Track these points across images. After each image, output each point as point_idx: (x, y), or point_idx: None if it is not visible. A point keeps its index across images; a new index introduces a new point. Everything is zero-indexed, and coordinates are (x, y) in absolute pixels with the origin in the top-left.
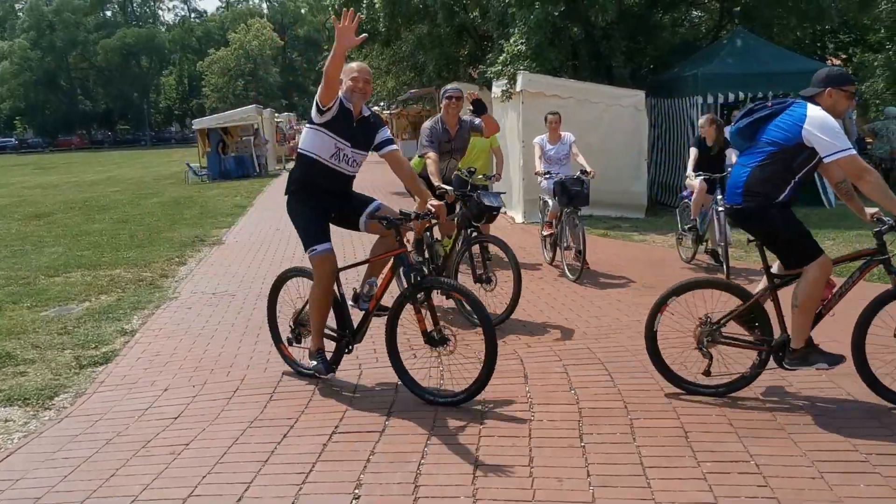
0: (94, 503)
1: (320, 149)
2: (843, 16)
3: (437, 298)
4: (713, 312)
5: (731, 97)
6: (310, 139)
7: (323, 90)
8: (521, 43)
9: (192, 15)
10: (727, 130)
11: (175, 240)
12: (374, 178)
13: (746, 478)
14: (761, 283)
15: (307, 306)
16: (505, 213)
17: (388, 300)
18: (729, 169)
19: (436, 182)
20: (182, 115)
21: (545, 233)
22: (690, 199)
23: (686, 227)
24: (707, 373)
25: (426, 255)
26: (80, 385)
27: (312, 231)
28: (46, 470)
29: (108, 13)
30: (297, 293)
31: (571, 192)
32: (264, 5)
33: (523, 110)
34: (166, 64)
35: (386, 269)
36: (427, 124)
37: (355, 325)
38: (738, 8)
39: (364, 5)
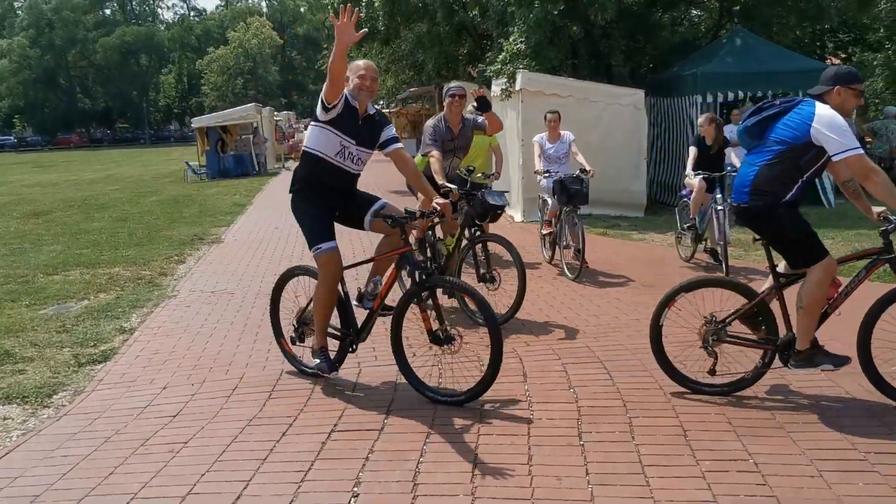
0: (93, 501)
1: (326, 147)
2: (843, 15)
3: (439, 297)
4: (718, 311)
5: (731, 96)
6: (315, 137)
7: (328, 87)
8: (521, 41)
9: (192, 13)
10: (728, 129)
11: (174, 238)
12: (373, 176)
13: (745, 476)
14: (767, 282)
15: (311, 305)
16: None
17: (391, 299)
18: (728, 168)
19: (440, 181)
20: (181, 114)
21: (544, 231)
22: (689, 198)
23: (685, 225)
24: (712, 371)
25: (428, 255)
26: (78, 383)
27: (318, 229)
28: (45, 468)
29: (108, 11)
30: (301, 292)
31: (571, 191)
32: (263, 4)
33: (522, 109)
34: (165, 62)
35: (391, 268)
36: (430, 122)
37: (359, 324)
38: (738, 7)
39: (363, 4)
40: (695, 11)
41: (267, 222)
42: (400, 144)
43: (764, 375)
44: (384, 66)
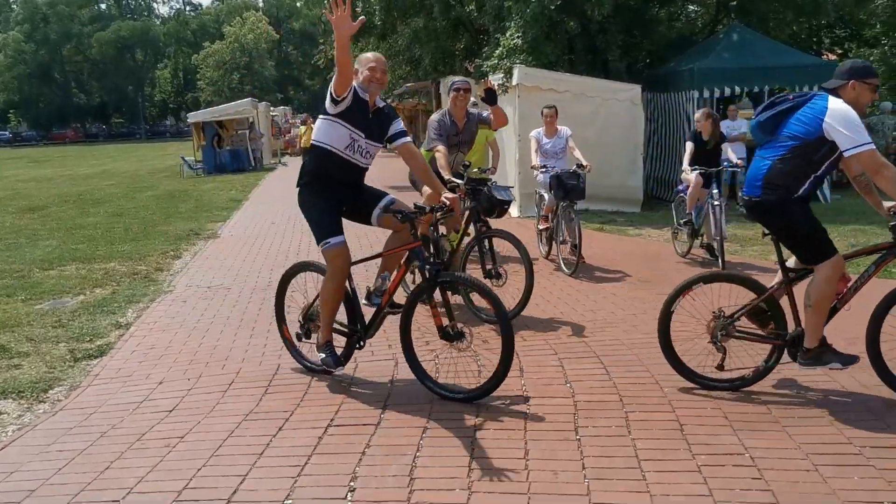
0: (89, 496)
1: (335, 140)
2: (840, 10)
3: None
4: (727, 306)
5: (728, 91)
6: (324, 130)
7: (337, 80)
8: (518, 37)
9: (187, 8)
10: (724, 125)
11: (170, 233)
12: (372, 171)
13: (741, 470)
14: (776, 278)
15: (317, 301)
16: None
17: (400, 296)
18: (725, 163)
19: (446, 175)
20: (177, 109)
21: (541, 227)
22: (686, 194)
23: (682, 221)
24: (720, 367)
25: (431, 251)
26: (74, 378)
27: (326, 223)
28: (41, 462)
29: (103, 6)
30: (306, 288)
31: (567, 186)
32: None
33: (519, 104)
34: (161, 57)
35: (399, 265)
36: (435, 117)
37: (367, 321)
38: (735, 2)
39: None
40: (691, 7)
41: (263, 217)
42: (408, 138)
43: (772, 371)
44: None
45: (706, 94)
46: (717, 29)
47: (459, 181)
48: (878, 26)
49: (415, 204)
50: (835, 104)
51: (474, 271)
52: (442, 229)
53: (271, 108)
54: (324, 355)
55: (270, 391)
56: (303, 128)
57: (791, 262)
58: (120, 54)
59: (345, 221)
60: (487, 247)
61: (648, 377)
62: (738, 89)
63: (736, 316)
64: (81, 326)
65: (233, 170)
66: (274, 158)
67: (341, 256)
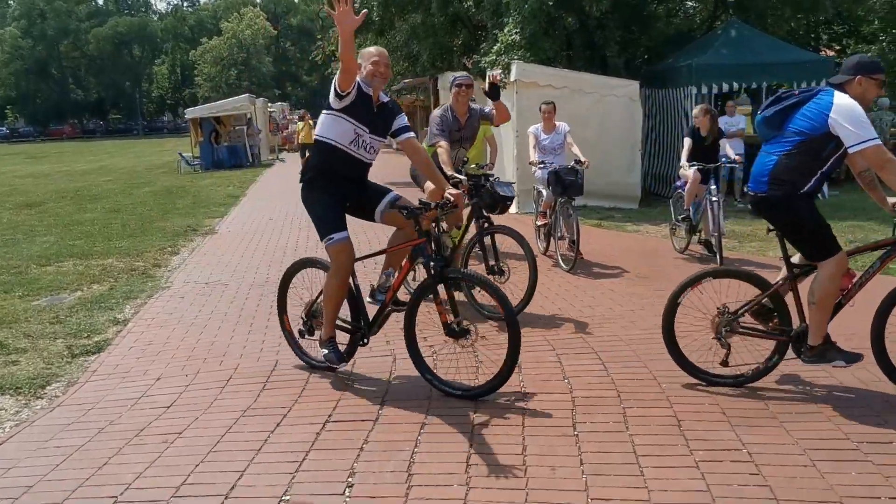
0: (87, 491)
1: (339, 135)
2: (838, 7)
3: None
4: (731, 302)
5: (726, 87)
6: (328, 125)
7: (341, 75)
8: (516, 32)
9: (185, 4)
10: (722, 121)
11: (167, 229)
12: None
13: (739, 466)
14: (781, 274)
15: (320, 297)
16: None
17: (404, 293)
18: (723, 159)
19: (449, 171)
20: (174, 105)
21: (539, 223)
22: (684, 190)
23: (679, 217)
24: (725, 363)
25: (433, 247)
26: (72, 374)
27: (330, 218)
28: (38, 458)
29: (100, 1)
30: (310, 284)
31: (565, 182)
32: None
33: (517, 100)
34: (158, 53)
35: (404, 261)
36: (437, 112)
37: (371, 317)
38: None
39: None
40: (690, 3)
41: (261, 213)
42: (412, 133)
43: (777, 366)
44: None
45: (704, 90)
46: (716, 25)
47: (462, 177)
48: (876, 22)
49: (420, 200)
50: (840, 99)
51: (476, 268)
52: (443, 225)
53: (269, 105)
54: (326, 351)
55: (268, 387)
56: (300, 124)
57: (796, 258)
58: (117, 50)
59: (348, 218)
60: (490, 243)
61: (646, 373)
62: (736, 85)
63: (740, 312)
64: (79, 322)
65: (230, 166)
66: (271, 154)
67: (345, 252)
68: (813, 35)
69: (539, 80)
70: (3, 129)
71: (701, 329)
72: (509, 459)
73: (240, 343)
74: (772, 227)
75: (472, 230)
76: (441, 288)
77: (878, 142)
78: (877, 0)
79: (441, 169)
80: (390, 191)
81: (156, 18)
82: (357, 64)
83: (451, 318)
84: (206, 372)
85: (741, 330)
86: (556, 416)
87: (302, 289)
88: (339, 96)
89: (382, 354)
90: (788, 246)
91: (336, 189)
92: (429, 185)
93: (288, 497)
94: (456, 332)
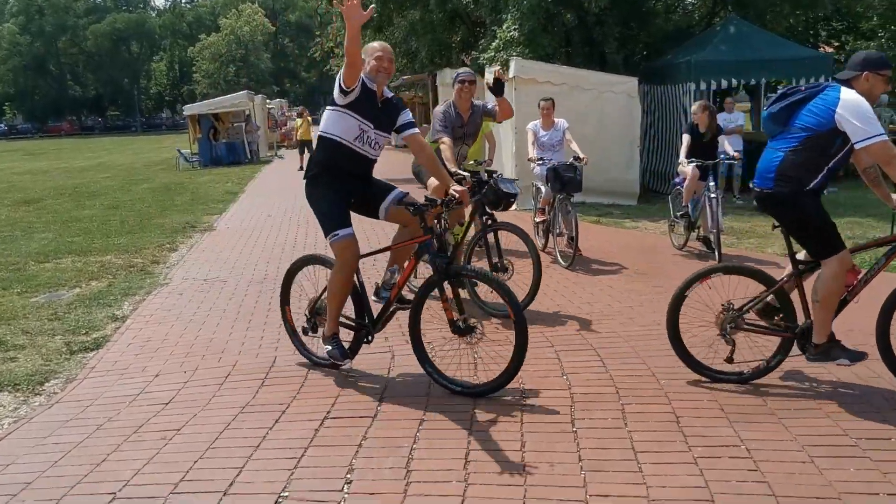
0: (85, 488)
1: (344, 131)
2: (836, 3)
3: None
4: (735, 299)
5: (724, 84)
6: (333, 121)
7: (346, 70)
8: (514, 29)
9: (183, 0)
10: (721, 117)
11: (166, 226)
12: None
13: (737, 462)
14: (786, 270)
15: (324, 295)
16: None
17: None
18: (721, 156)
19: (452, 168)
20: (173, 101)
21: (538, 219)
22: (683, 186)
23: (678, 213)
24: (730, 360)
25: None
26: (70, 371)
27: (335, 214)
28: (37, 455)
29: None
30: (315, 281)
31: (564, 179)
32: None
33: (516, 97)
34: (157, 49)
35: (409, 258)
36: (440, 108)
37: (375, 315)
38: None
39: None
40: None
41: (259, 210)
42: (416, 129)
43: (782, 363)
44: None
45: (703, 86)
46: (714, 21)
47: (465, 173)
48: (874, 19)
49: (426, 196)
50: (847, 95)
51: (480, 265)
52: (444, 222)
53: (267, 101)
54: (330, 348)
55: (267, 383)
56: (299, 120)
57: (802, 254)
58: (115, 46)
59: (352, 215)
60: (493, 240)
61: (645, 369)
62: (734, 82)
63: (745, 308)
64: (77, 319)
65: (229, 162)
66: (270, 151)
67: (350, 249)
68: (812, 31)
69: (538, 76)
70: (2, 125)
71: (704, 325)
72: (508, 456)
73: (238, 340)
74: (777, 224)
75: (474, 227)
76: (446, 285)
77: (885, 138)
78: None
79: (444, 165)
80: (395, 188)
81: (154, 15)
82: (362, 60)
83: (456, 315)
84: (204, 368)
85: (746, 326)
86: (555, 413)
87: (306, 285)
88: (343, 92)
89: (381, 351)
90: (793, 242)
91: (341, 185)
92: (432, 182)
93: (286, 493)
94: (461, 330)
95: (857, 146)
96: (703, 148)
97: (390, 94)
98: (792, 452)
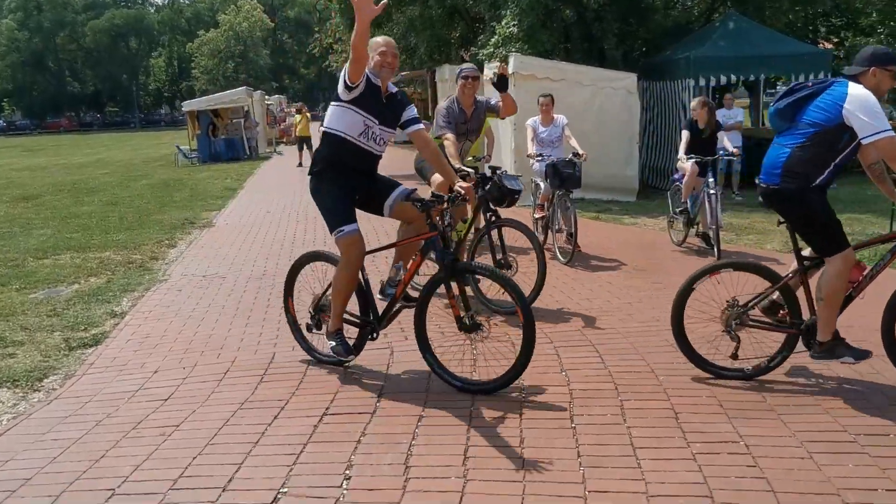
0: (84, 484)
1: (349, 127)
2: None
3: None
4: (740, 295)
5: (724, 80)
6: (337, 117)
7: (352, 66)
8: (513, 25)
9: None
10: (720, 113)
11: (165, 222)
12: None
13: (736, 458)
14: (791, 266)
15: (328, 291)
16: None
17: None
18: (721, 152)
19: (456, 164)
20: (171, 98)
21: (537, 215)
22: (682, 182)
23: (677, 210)
24: (735, 356)
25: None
26: (69, 367)
27: (340, 210)
28: (36, 451)
29: None
30: (321, 277)
31: (563, 175)
32: None
33: (515, 93)
34: (155, 45)
35: (415, 255)
36: (443, 104)
37: (380, 311)
38: None
39: None
40: None
41: (258, 206)
42: (422, 125)
43: (787, 359)
44: None
45: (702, 82)
46: (714, 17)
47: (470, 170)
48: (874, 15)
49: (432, 193)
50: (855, 90)
51: (484, 261)
52: (448, 219)
53: (266, 97)
54: (334, 343)
55: (266, 380)
56: (298, 116)
57: (807, 251)
58: (114, 42)
59: (357, 212)
60: (497, 237)
61: (644, 365)
62: (734, 78)
63: (750, 305)
64: (76, 315)
65: (228, 159)
66: (269, 147)
67: (356, 245)
68: (811, 27)
69: (537, 72)
70: (0, 122)
71: (708, 320)
72: (507, 452)
73: (237, 336)
74: (782, 220)
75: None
76: (452, 282)
77: (892, 133)
78: None
79: (448, 161)
80: (399, 184)
81: (152, 11)
82: (368, 55)
83: (462, 312)
84: (203, 365)
85: (751, 323)
86: (554, 409)
87: (310, 281)
88: (348, 88)
89: (380, 347)
90: (798, 238)
91: (345, 181)
92: (436, 178)
93: (285, 489)
94: (468, 327)
95: (864, 141)
96: (703, 144)
97: (395, 90)
98: (791, 448)
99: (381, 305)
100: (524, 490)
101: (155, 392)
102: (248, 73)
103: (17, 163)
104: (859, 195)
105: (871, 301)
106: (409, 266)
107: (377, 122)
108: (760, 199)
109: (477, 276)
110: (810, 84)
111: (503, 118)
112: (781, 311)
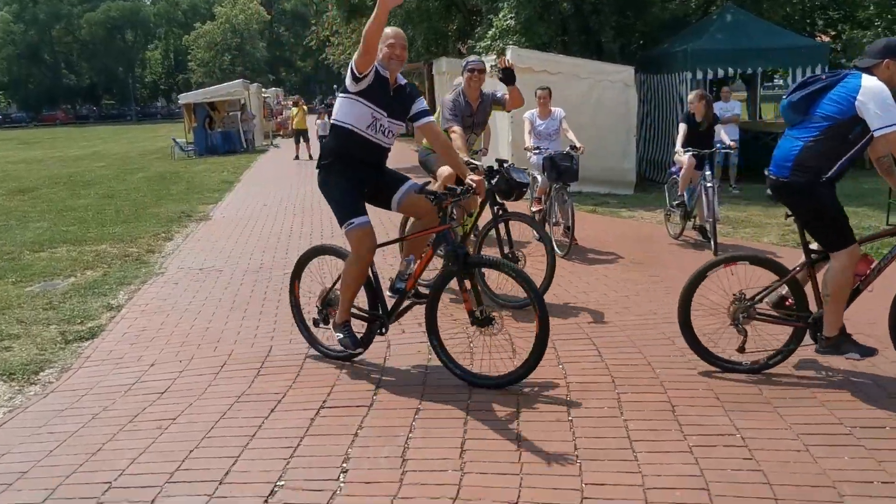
0: (80, 477)
1: (357, 119)
2: None
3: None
4: (747, 289)
5: (721, 73)
6: (345, 109)
7: (361, 56)
8: (511, 17)
9: None
10: (717, 106)
11: (161, 215)
12: None
13: (732, 451)
14: (799, 260)
15: (336, 286)
16: None
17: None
18: (718, 145)
19: (464, 157)
20: (168, 90)
21: (534, 209)
22: (679, 175)
23: (674, 203)
24: (741, 350)
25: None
26: (65, 360)
27: (349, 202)
28: (32, 444)
29: None
30: (329, 271)
31: (560, 168)
32: None
33: None
34: (151, 38)
35: (426, 248)
36: (449, 97)
37: (389, 306)
38: None
39: None
40: None
41: (255, 199)
42: (431, 117)
43: (794, 352)
44: None
45: (699, 75)
46: (711, 10)
47: (478, 163)
48: (871, 8)
49: (446, 186)
50: (868, 82)
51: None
52: (453, 213)
53: (263, 90)
54: (341, 335)
55: (262, 373)
56: (295, 109)
57: (815, 244)
58: (110, 35)
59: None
60: (504, 230)
61: (640, 358)
62: (731, 71)
63: (758, 298)
64: (72, 308)
65: (224, 151)
66: (266, 140)
67: (366, 238)
68: (808, 20)
69: (534, 65)
70: None
71: (715, 314)
72: (504, 445)
73: (234, 329)
74: (790, 213)
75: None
76: (466, 276)
77: None
78: None
79: None
80: (408, 178)
81: (149, 3)
82: (378, 46)
83: (475, 306)
84: (200, 358)
85: (758, 316)
86: (551, 402)
87: (317, 276)
88: (356, 79)
89: (378, 340)
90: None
91: (353, 173)
92: (443, 171)
93: (282, 483)
94: (481, 321)
95: (875, 133)
96: (700, 137)
97: (404, 82)
98: (787, 441)
99: (390, 299)
100: (521, 483)
101: (151, 385)
102: (244, 66)
103: (13, 155)
104: (856, 188)
105: (870, 296)
106: (419, 260)
107: (385, 115)
108: (769, 191)
109: (482, 270)
110: (824, 77)
111: (509, 111)
112: (788, 301)
